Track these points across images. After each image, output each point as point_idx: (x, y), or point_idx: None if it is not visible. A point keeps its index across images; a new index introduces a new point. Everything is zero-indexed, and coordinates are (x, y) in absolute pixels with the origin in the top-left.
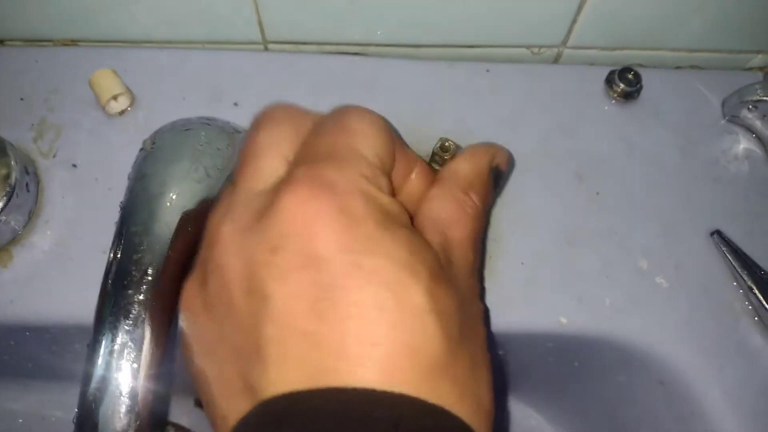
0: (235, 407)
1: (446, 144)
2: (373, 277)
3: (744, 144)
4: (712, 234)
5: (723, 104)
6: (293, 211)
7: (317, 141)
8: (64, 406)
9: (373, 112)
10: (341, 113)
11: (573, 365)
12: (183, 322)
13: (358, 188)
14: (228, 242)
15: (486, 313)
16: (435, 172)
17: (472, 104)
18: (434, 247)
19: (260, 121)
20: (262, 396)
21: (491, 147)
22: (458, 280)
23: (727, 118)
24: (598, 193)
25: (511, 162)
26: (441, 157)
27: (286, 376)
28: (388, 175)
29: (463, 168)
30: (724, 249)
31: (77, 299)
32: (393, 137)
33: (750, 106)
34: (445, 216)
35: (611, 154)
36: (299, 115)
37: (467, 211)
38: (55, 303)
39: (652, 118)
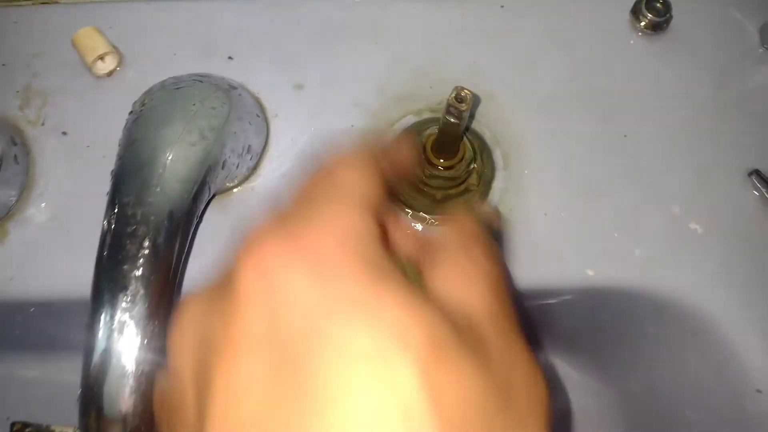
0: None
1: (462, 93)
2: (345, 350)
3: None
4: (750, 174)
5: (761, 31)
6: (248, 271)
7: (295, 194)
8: (78, 372)
9: (363, 154)
10: (327, 162)
11: (601, 317)
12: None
13: (335, 238)
14: (184, 326)
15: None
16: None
17: (485, 46)
18: (454, 316)
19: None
20: None
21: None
22: (498, 350)
23: (765, 46)
24: (625, 136)
25: (499, 215)
26: (457, 108)
27: None
28: (379, 220)
29: (457, 228)
30: (763, 189)
31: (78, 272)
32: (383, 185)
33: None
34: (454, 284)
35: (638, 93)
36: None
37: (481, 263)
38: (56, 277)
39: (683, 51)
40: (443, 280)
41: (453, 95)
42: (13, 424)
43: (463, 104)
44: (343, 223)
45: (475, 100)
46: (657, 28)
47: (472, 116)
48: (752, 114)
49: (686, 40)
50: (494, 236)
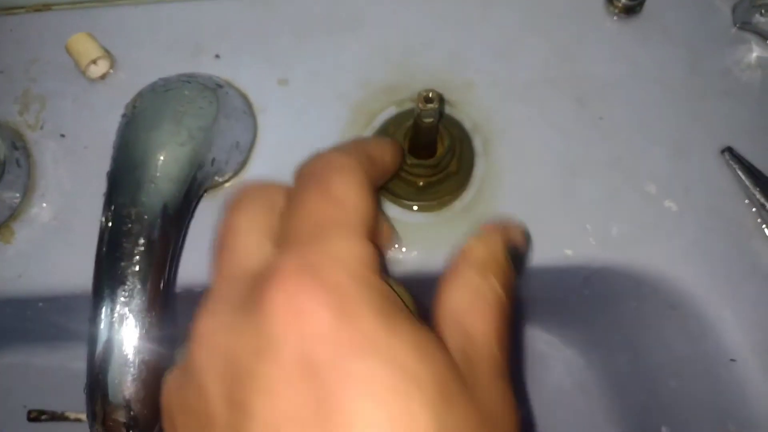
0: None
1: (429, 95)
2: (369, 388)
3: (757, 52)
4: (723, 151)
5: (733, 10)
6: (280, 307)
7: (298, 213)
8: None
9: (352, 161)
10: (319, 173)
11: (583, 294)
12: (162, 417)
13: (350, 273)
14: (208, 340)
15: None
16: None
17: (463, 35)
18: (451, 348)
19: (230, 203)
20: None
21: (504, 226)
22: (482, 388)
23: (738, 25)
24: (601, 118)
25: (528, 241)
26: (428, 110)
27: None
28: (376, 244)
29: (475, 251)
30: (735, 166)
31: (81, 268)
32: (374, 195)
33: (763, 10)
34: (462, 307)
35: (614, 76)
36: (269, 188)
37: (487, 298)
38: (61, 273)
39: (657, 33)
40: (454, 303)
41: (421, 99)
42: (29, 412)
43: (433, 104)
44: (354, 257)
45: (449, 88)
46: (631, 11)
47: (445, 105)
48: (725, 93)
49: (660, 22)
50: (518, 261)
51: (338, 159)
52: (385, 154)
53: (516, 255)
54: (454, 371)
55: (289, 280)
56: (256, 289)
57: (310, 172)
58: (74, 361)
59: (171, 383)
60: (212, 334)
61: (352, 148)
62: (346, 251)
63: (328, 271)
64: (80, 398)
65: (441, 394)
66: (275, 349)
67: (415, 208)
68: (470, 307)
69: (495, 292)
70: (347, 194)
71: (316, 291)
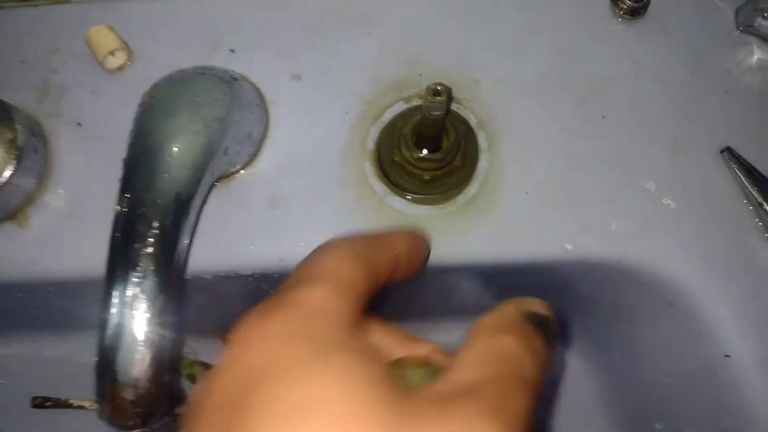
0: None
1: (437, 89)
2: (280, 410)
3: (758, 55)
4: (722, 151)
5: (736, 13)
6: (232, 340)
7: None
8: (93, 350)
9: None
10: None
11: (581, 290)
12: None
13: (300, 314)
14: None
15: None
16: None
17: (471, 33)
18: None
19: None
20: None
21: (518, 299)
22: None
23: (740, 28)
24: (603, 117)
25: (549, 308)
26: (436, 103)
27: None
28: (360, 303)
29: (485, 319)
30: (734, 166)
31: (94, 254)
32: (369, 266)
33: (766, 14)
34: (469, 379)
35: (617, 76)
36: None
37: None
38: (74, 259)
39: (660, 34)
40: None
41: (430, 92)
42: (34, 398)
43: (441, 97)
44: (314, 304)
45: (456, 86)
46: (635, 13)
47: (450, 101)
48: (725, 94)
49: (664, 24)
50: (541, 323)
51: (339, 243)
52: (398, 245)
53: (539, 319)
54: (378, 401)
55: (248, 321)
56: None
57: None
58: (81, 353)
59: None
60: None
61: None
62: (309, 299)
63: (277, 315)
64: (85, 389)
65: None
66: (217, 380)
67: (419, 198)
68: (477, 377)
69: (512, 355)
70: (332, 262)
71: (263, 328)
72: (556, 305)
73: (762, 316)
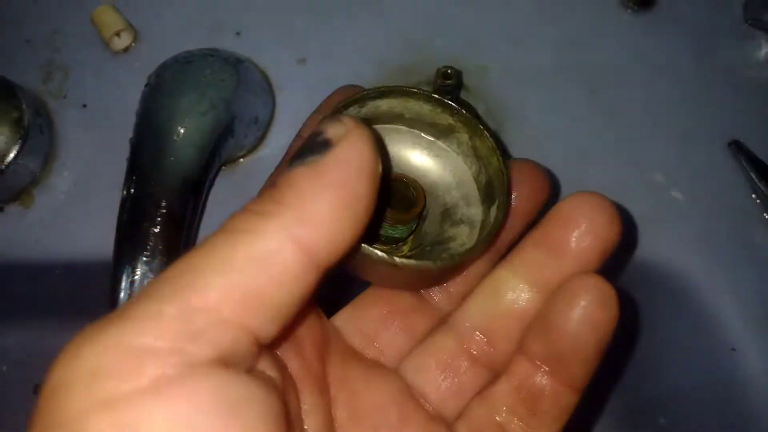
0: None
1: (448, 72)
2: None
3: (766, 48)
4: (729, 144)
5: (745, 7)
6: None
7: None
8: None
9: None
10: None
11: None
12: None
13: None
14: None
15: None
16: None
17: (479, 21)
18: None
19: None
20: None
21: None
22: None
23: (749, 21)
24: (611, 107)
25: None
26: (446, 84)
27: None
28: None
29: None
30: (742, 159)
31: (99, 235)
32: None
33: None
34: None
35: (626, 67)
36: None
37: None
38: (79, 240)
39: (669, 26)
40: None
41: (440, 75)
42: (36, 386)
43: (451, 80)
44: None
45: (464, 73)
46: (645, 4)
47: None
48: (734, 87)
49: (673, 16)
50: None
51: None
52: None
53: None
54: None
55: None
56: None
57: None
58: None
59: None
60: None
61: None
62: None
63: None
64: None
65: None
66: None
67: None
68: None
69: None
70: None
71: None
72: None
73: None
